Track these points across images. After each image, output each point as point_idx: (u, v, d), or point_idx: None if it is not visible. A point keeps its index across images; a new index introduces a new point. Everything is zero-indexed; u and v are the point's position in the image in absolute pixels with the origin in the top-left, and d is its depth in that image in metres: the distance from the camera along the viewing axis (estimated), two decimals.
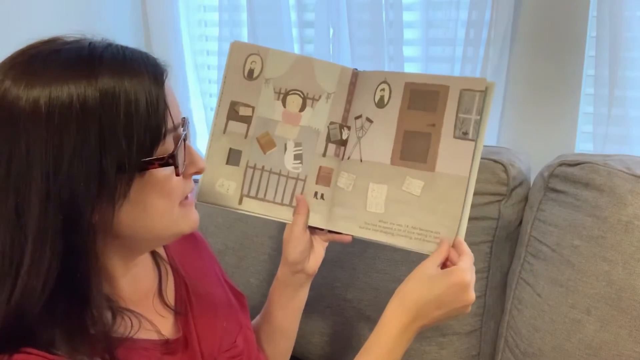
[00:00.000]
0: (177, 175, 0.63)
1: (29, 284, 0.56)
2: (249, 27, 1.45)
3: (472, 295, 0.74)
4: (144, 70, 0.60)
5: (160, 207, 0.63)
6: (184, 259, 0.83)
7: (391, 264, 1.12)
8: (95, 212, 0.58)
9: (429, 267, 0.75)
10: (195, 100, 1.64)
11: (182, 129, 0.65)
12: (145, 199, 0.61)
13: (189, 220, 0.68)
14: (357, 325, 1.15)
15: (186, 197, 0.68)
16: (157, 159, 0.60)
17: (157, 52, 0.65)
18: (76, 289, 0.59)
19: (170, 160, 0.61)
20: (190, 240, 0.85)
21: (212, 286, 0.84)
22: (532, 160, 1.21)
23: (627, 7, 1.11)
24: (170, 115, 0.62)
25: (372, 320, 1.14)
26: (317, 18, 1.40)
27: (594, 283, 0.94)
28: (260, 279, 1.21)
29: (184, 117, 0.67)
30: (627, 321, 0.91)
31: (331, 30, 1.39)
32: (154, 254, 0.78)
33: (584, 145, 1.28)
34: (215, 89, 1.60)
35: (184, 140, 0.65)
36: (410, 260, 1.12)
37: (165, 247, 0.81)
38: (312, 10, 1.42)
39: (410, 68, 1.36)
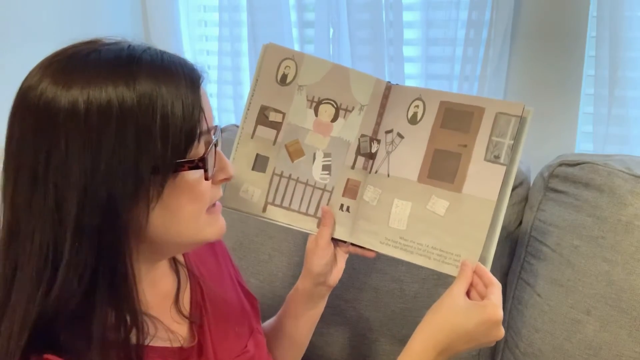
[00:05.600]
0: (207, 179, 0.63)
1: (67, 279, 0.57)
2: (249, 27, 1.45)
3: (502, 331, 0.73)
4: (181, 75, 0.61)
5: (188, 212, 0.63)
6: (201, 262, 0.82)
7: (391, 264, 1.12)
8: (130, 213, 0.58)
9: (459, 296, 0.74)
10: None
11: (213, 134, 0.65)
12: (176, 203, 0.62)
13: (216, 227, 0.68)
14: (357, 326, 1.15)
15: (214, 205, 0.68)
16: (187, 161, 0.60)
17: None
18: (110, 289, 0.59)
19: (200, 164, 0.61)
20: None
21: (226, 290, 0.84)
22: (532, 160, 1.21)
23: (627, 7, 1.11)
24: (205, 118, 0.62)
25: (371, 321, 1.14)
26: (317, 18, 1.40)
27: (594, 283, 0.94)
28: (260, 279, 1.21)
29: (217, 125, 0.67)
30: (627, 321, 0.91)
31: (331, 30, 1.39)
32: (173, 259, 0.77)
33: (584, 145, 1.28)
34: (215, 88, 1.60)
35: (215, 145, 0.65)
36: None
37: None
38: (312, 10, 1.42)
39: (410, 68, 1.36)
